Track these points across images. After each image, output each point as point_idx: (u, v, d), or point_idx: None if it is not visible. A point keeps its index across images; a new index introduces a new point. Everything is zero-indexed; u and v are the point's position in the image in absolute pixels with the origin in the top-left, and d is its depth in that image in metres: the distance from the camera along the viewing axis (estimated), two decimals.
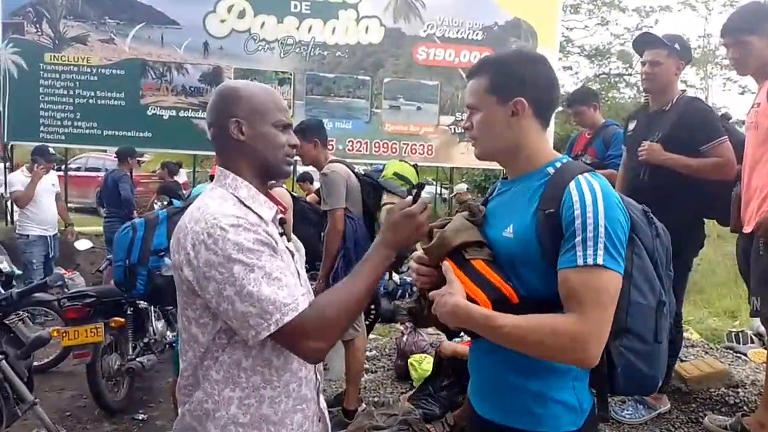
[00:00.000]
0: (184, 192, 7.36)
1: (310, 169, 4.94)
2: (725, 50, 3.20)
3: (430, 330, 4.39)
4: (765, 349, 4.47)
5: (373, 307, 4.27)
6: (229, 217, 1.28)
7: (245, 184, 1.40)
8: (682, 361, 3.77)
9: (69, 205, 8.08)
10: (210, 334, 1.32)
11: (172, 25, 8.01)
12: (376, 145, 8.59)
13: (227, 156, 1.43)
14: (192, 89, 8.10)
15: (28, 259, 6.01)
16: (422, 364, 3.94)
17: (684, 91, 3.28)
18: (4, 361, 3.06)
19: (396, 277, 6.21)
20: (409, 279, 5.97)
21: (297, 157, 1.62)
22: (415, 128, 8.71)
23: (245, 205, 1.36)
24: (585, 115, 4.33)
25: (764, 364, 3.78)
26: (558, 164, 1.39)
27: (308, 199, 5.79)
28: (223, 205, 1.33)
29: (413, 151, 8.61)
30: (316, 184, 6.73)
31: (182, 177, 11.30)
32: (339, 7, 8.32)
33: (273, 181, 1.59)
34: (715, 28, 22.62)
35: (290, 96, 8.16)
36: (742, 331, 4.83)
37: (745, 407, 3.27)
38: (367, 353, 4.34)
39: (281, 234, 1.46)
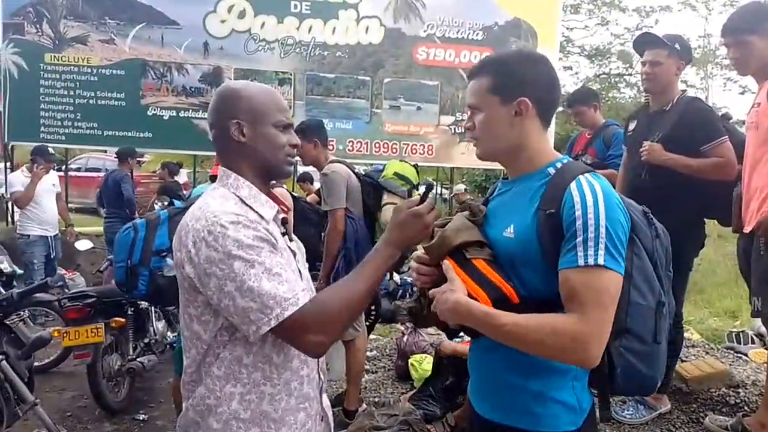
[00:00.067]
0: (184, 192, 7.36)
1: (311, 169, 4.94)
2: (726, 50, 3.20)
3: (431, 330, 4.39)
4: (766, 349, 4.48)
5: (373, 307, 4.27)
6: (228, 214, 1.30)
7: (247, 184, 1.41)
8: (682, 361, 3.77)
9: (69, 205, 8.08)
10: (212, 331, 1.34)
11: (172, 25, 8.01)
12: (377, 145, 8.60)
13: (229, 157, 1.45)
14: (192, 89, 8.10)
15: (29, 260, 5.99)
16: (423, 365, 3.94)
17: (684, 91, 3.28)
18: (4, 362, 3.06)
19: (396, 277, 6.22)
20: (409, 279, 5.98)
21: (297, 158, 1.62)
22: (415, 128, 8.71)
23: (246, 204, 1.38)
24: (585, 115, 4.33)
25: (765, 365, 3.78)
26: (559, 165, 1.39)
27: (308, 199, 5.78)
28: (224, 203, 1.34)
29: (413, 152, 8.61)
30: (317, 185, 6.72)
31: (182, 177, 11.31)
32: (339, 7, 8.32)
33: (274, 181, 1.60)
34: (715, 28, 22.71)
35: (290, 96, 8.17)
36: (742, 331, 4.83)
37: (745, 407, 3.27)
38: (368, 353, 4.35)
39: (283, 234, 1.47)
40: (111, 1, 7.99)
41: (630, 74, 19.75)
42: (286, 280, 1.28)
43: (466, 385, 1.69)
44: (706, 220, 3.24)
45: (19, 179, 6.18)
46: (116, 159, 7.73)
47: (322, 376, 1.53)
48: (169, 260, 2.86)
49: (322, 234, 3.62)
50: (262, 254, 1.28)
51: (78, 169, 13.68)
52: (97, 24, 7.89)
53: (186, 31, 8.03)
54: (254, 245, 1.28)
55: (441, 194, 13.38)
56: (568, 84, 18.73)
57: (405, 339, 4.26)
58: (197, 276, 1.29)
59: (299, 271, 1.45)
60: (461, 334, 1.61)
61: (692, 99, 3.16)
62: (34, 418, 3.15)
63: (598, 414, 1.46)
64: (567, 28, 18.44)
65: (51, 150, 6.65)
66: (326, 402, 1.57)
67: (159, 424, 3.90)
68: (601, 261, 1.23)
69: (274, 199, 1.47)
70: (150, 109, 8.03)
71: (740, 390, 3.45)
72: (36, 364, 3.74)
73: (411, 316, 1.63)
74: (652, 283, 1.34)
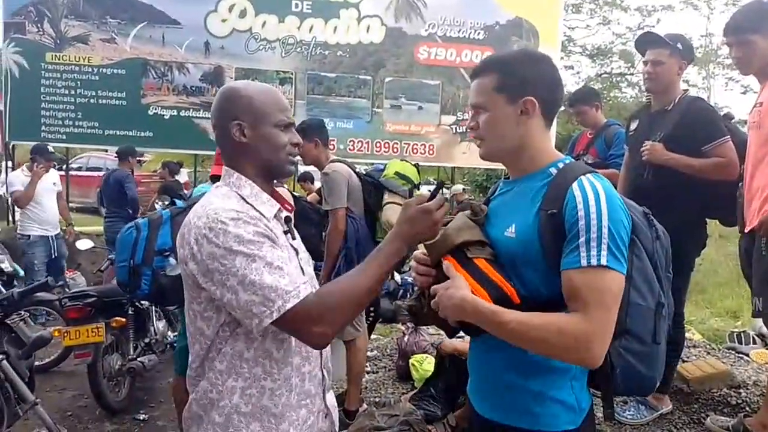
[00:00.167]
0: (185, 192, 7.36)
1: (311, 168, 4.93)
2: (728, 49, 3.19)
3: (432, 330, 4.38)
4: (767, 349, 4.47)
5: (372, 308, 4.26)
6: (229, 211, 1.32)
7: (248, 183, 1.44)
8: (684, 361, 3.76)
9: (70, 204, 8.07)
10: (214, 327, 1.37)
11: (173, 24, 8.01)
12: (378, 144, 8.59)
13: (231, 156, 1.47)
14: (193, 89, 8.10)
15: (29, 261, 5.96)
16: (423, 365, 3.94)
17: (686, 90, 3.27)
18: (5, 361, 3.06)
19: (397, 276, 6.20)
20: (410, 279, 5.97)
21: (298, 157, 1.63)
22: (416, 128, 8.70)
23: (247, 203, 1.40)
24: (587, 114, 4.32)
25: (766, 365, 3.78)
26: (561, 165, 1.39)
27: (309, 198, 5.78)
28: (225, 201, 1.37)
29: (414, 151, 8.60)
30: (317, 184, 6.72)
31: (183, 177, 11.32)
32: (340, 6, 8.31)
33: (275, 180, 1.60)
34: (717, 28, 22.62)
35: (291, 95, 8.16)
36: (744, 332, 4.82)
37: (747, 408, 3.26)
38: (369, 353, 4.34)
39: (286, 232, 1.48)
40: (112, 0, 7.99)
41: (632, 74, 19.74)
42: (287, 274, 1.30)
43: (466, 384, 1.69)
44: (708, 220, 3.23)
45: (19, 178, 6.16)
46: (117, 158, 7.73)
47: (326, 374, 1.54)
48: (171, 260, 2.86)
49: (323, 234, 3.62)
50: (263, 249, 1.30)
51: (79, 169, 13.70)
52: (98, 23, 7.89)
53: (187, 31, 8.02)
54: (255, 240, 1.30)
55: (442, 193, 13.38)
56: (570, 83, 18.75)
57: (406, 339, 4.26)
58: (200, 272, 1.31)
59: (302, 269, 1.46)
60: (461, 333, 1.61)
61: (694, 99, 3.15)
62: (34, 417, 3.15)
63: (602, 413, 1.46)
64: (568, 28, 18.44)
65: (51, 149, 6.64)
66: (330, 400, 1.57)
67: (159, 424, 3.90)
68: (603, 261, 1.23)
69: (279, 198, 1.48)
70: (151, 108, 8.02)
71: (742, 390, 3.45)
72: (36, 363, 3.74)
73: (411, 314, 1.63)
74: (651, 284, 1.35)
